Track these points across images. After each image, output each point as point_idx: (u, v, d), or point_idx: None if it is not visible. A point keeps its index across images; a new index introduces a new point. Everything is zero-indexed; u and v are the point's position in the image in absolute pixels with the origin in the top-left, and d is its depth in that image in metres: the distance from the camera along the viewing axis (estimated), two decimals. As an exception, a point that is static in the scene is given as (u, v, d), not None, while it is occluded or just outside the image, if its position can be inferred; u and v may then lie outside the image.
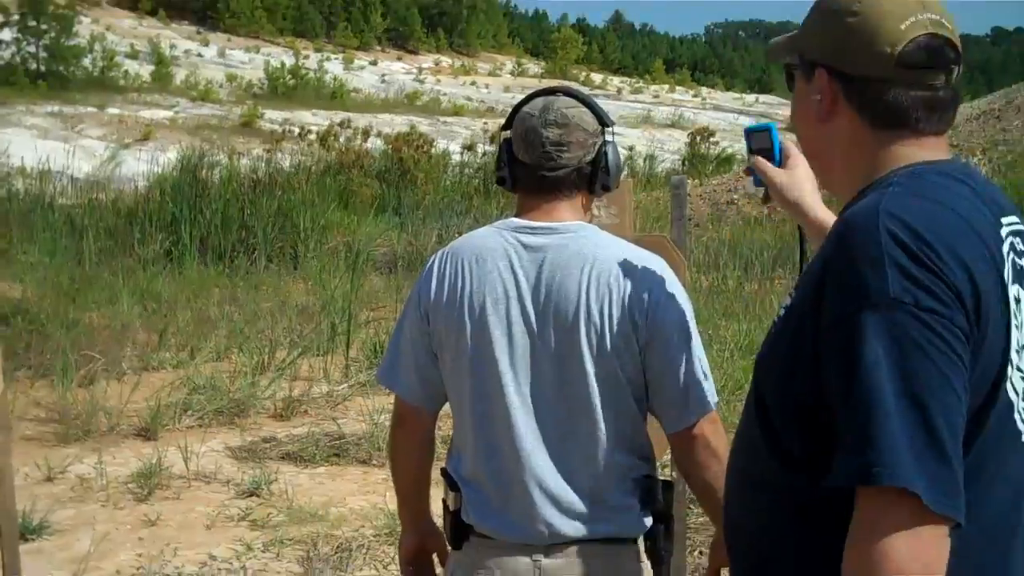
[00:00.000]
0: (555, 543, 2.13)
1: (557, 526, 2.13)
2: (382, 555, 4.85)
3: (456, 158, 22.29)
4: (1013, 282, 1.40)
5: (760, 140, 1.95)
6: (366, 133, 23.30)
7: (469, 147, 23.29)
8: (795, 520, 1.44)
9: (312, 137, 22.40)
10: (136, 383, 7.45)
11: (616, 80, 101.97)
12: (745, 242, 13.84)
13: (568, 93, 2.26)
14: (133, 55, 58.36)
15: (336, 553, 4.87)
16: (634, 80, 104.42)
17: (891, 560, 1.24)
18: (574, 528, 2.13)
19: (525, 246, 2.15)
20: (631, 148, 28.73)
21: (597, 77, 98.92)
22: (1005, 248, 1.42)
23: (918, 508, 1.24)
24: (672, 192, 3.67)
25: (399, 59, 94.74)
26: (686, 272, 3.19)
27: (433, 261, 2.23)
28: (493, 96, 68.53)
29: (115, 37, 62.43)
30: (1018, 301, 1.40)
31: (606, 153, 2.21)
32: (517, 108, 2.26)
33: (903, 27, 1.48)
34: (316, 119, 39.94)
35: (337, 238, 14.80)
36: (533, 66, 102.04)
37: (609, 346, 2.09)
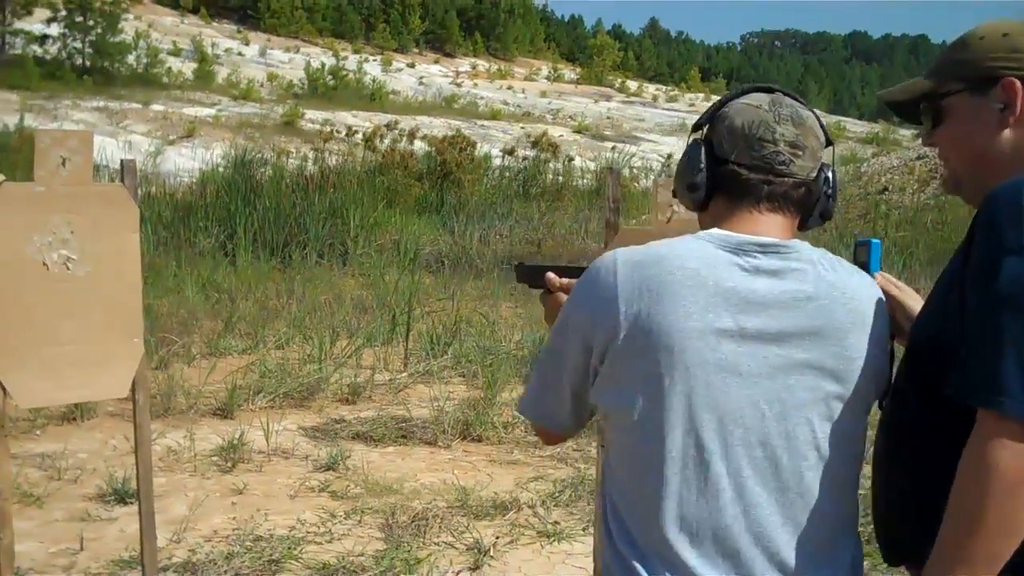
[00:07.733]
0: None
1: None
2: (456, 524, 5.23)
3: (497, 161, 22.66)
4: None
5: (860, 254, 1.95)
6: (412, 135, 23.75)
7: (510, 151, 23.66)
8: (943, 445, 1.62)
9: (359, 137, 22.83)
10: (212, 366, 7.89)
11: (651, 87, 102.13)
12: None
13: (785, 93, 1.77)
14: (176, 52, 59.25)
15: (413, 522, 5.26)
16: (669, 88, 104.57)
17: (1005, 468, 1.44)
18: None
19: (758, 269, 1.66)
20: (669, 156, 29.01)
21: (633, 84, 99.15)
22: None
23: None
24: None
25: (436, 62, 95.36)
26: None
27: (611, 276, 1.66)
28: (529, 101, 68.95)
29: (158, 34, 63.45)
30: None
31: (829, 177, 1.77)
32: (720, 105, 1.78)
33: None
34: (357, 120, 40.49)
35: (385, 236, 15.25)
36: (569, 72, 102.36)
37: (863, 388, 1.70)
